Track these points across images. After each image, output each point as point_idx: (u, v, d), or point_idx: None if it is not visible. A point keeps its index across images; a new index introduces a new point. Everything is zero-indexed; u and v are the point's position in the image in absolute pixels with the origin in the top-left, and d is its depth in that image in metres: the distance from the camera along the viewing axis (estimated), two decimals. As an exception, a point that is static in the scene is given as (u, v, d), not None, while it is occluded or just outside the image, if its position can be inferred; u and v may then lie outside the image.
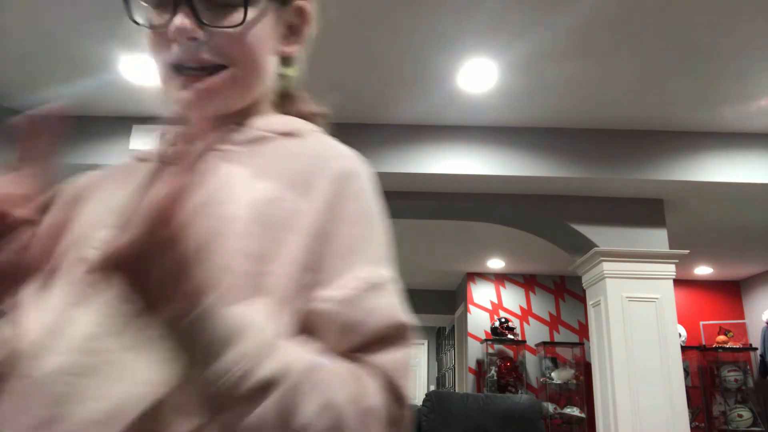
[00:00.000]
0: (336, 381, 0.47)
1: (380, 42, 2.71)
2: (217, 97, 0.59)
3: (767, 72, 2.83)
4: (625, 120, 3.39)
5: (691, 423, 3.40)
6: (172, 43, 0.56)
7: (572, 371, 6.04)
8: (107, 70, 2.97)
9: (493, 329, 6.31)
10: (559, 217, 3.67)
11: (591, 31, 2.59)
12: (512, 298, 6.62)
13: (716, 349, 5.99)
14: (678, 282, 3.62)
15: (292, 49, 0.66)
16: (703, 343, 6.25)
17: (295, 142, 0.62)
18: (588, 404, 5.88)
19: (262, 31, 0.60)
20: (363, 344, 0.51)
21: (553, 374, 6.05)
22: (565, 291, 6.64)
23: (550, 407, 5.90)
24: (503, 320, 6.33)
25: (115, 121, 3.49)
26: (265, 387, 0.44)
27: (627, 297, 3.49)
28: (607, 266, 3.55)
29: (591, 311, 3.80)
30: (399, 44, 2.72)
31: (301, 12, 0.67)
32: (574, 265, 3.95)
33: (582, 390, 6.01)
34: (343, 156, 0.60)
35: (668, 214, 3.71)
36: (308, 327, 0.52)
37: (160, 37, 0.57)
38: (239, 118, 0.63)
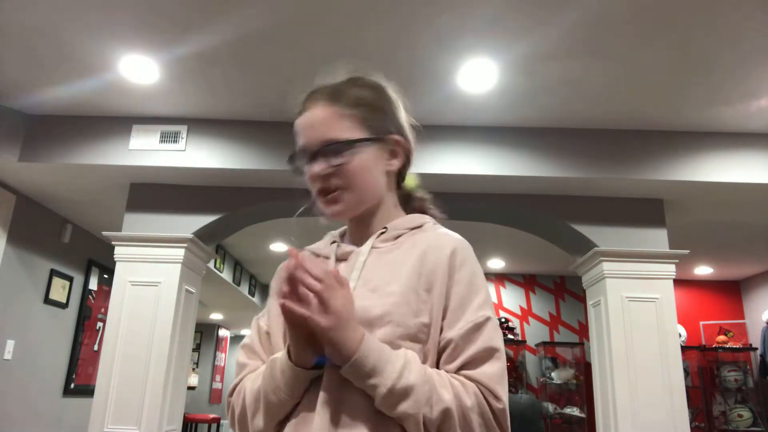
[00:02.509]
0: (444, 386, 0.79)
1: (380, 42, 2.71)
2: (341, 206, 0.93)
3: (767, 72, 2.83)
4: (625, 120, 3.39)
5: (691, 423, 3.40)
6: (315, 180, 0.93)
7: (572, 371, 6.04)
8: (107, 70, 2.98)
9: (493, 329, 6.30)
10: (559, 217, 3.67)
11: (591, 31, 2.59)
12: (512, 298, 6.62)
13: (716, 349, 5.99)
14: (678, 282, 3.62)
15: (393, 165, 0.96)
16: (703, 343, 6.25)
17: (421, 234, 0.94)
18: (588, 404, 5.89)
19: (363, 163, 0.91)
20: (466, 364, 0.82)
21: (553, 374, 6.05)
22: (565, 291, 6.64)
23: (550, 407, 5.90)
24: (503, 320, 6.33)
25: (115, 121, 3.49)
26: (408, 389, 0.76)
27: (627, 297, 3.49)
28: (607, 266, 3.55)
29: (591, 311, 3.80)
30: (399, 44, 2.72)
31: (396, 143, 0.96)
32: (574, 265, 3.95)
33: (582, 390, 6.01)
34: (451, 240, 0.91)
35: (668, 214, 3.71)
36: (439, 355, 0.85)
37: (309, 176, 0.93)
38: (371, 218, 0.97)
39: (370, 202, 0.95)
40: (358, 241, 0.97)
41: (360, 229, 0.98)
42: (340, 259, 0.96)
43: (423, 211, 1.02)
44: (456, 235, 0.94)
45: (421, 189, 1.05)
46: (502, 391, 0.80)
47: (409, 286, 0.85)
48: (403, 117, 0.99)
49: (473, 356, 0.81)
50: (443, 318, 0.85)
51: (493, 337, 0.83)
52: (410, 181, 1.04)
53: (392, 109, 0.97)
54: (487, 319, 0.84)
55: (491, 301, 0.89)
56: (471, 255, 0.91)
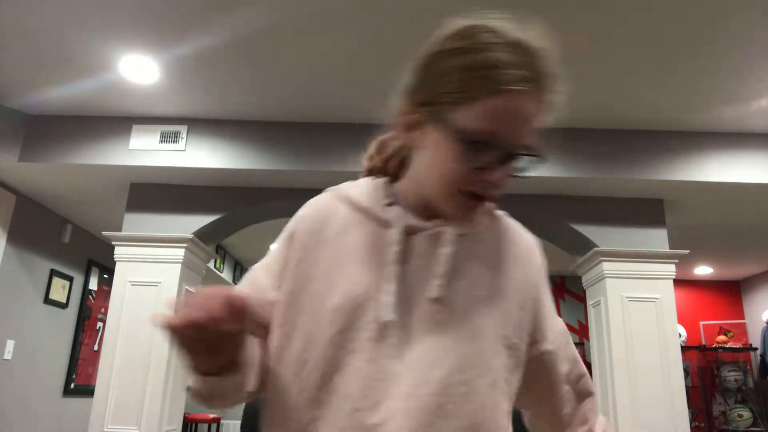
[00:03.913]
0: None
1: (380, 42, 2.70)
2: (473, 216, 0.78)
3: (767, 72, 2.83)
4: (625, 120, 3.39)
5: (691, 423, 3.40)
6: (485, 180, 0.70)
7: (572, 371, 6.03)
8: (107, 70, 2.97)
9: (493, 329, 6.31)
10: (559, 217, 3.67)
11: (591, 31, 2.59)
12: (512, 298, 6.62)
13: (716, 349, 5.99)
14: (678, 282, 3.62)
15: None
16: (703, 343, 6.24)
17: (494, 221, 0.87)
18: (588, 404, 5.88)
19: None
20: (582, 373, 0.88)
21: (553, 374, 6.05)
22: (565, 291, 6.64)
23: (550, 407, 5.90)
24: (503, 320, 6.32)
25: (115, 121, 3.49)
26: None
27: (627, 297, 3.49)
28: (607, 266, 3.55)
29: (591, 311, 3.79)
30: (399, 44, 2.72)
31: None
32: (574, 265, 3.95)
33: (582, 390, 6.01)
34: (535, 245, 0.87)
35: (668, 214, 3.71)
36: (539, 368, 0.81)
37: (477, 173, 0.70)
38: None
39: None
40: (421, 212, 0.77)
41: (422, 193, 0.77)
42: (409, 233, 0.75)
43: None
44: (530, 234, 0.89)
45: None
46: None
47: (515, 305, 0.77)
48: None
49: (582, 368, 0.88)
50: (531, 329, 0.80)
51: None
52: None
53: None
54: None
55: None
56: None
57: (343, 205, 0.80)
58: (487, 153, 0.68)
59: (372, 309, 0.71)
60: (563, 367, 0.84)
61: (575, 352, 0.89)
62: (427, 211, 0.76)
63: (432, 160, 0.73)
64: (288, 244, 0.80)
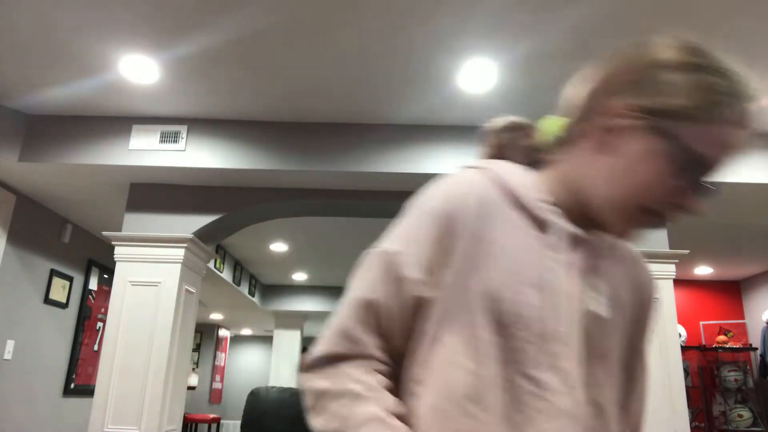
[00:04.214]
0: None
1: (380, 42, 2.71)
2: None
3: (767, 72, 2.83)
4: (625, 120, 3.38)
5: (691, 423, 3.40)
6: (677, 201, 0.67)
7: (572, 371, 6.03)
8: (107, 70, 2.98)
9: (493, 329, 6.30)
10: (559, 217, 3.66)
11: (591, 31, 2.59)
12: (512, 298, 6.61)
13: (716, 349, 5.99)
14: (678, 282, 3.62)
15: None
16: (703, 343, 6.24)
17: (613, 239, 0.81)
18: (588, 404, 5.88)
19: None
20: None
21: (553, 374, 6.04)
22: (565, 291, 6.64)
23: (550, 407, 5.89)
24: (503, 320, 6.32)
25: (115, 121, 3.49)
26: None
27: (627, 297, 3.49)
28: (607, 266, 3.54)
29: (591, 311, 3.79)
30: (399, 44, 2.72)
31: None
32: (574, 265, 3.94)
33: (582, 390, 6.01)
34: (649, 271, 0.82)
35: (668, 214, 3.71)
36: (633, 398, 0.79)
37: (675, 192, 0.67)
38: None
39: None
40: (571, 214, 0.73)
41: (577, 196, 0.73)
42: (573, 242, 0.72)
43: None
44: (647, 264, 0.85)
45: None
46: None
47: (632, 328, 0.78)
48: None
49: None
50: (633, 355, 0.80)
51: None
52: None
53: None
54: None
55: None
56: None
57: (497, 191, 0.73)
58: (696, 175, 0.67)
59: (535, 318, 0.67)
60: (633, 406, 0.80)
61: (646, 395, 0.83)
62: (577, 215, 0.73)
63: (627, 169, 0.68)
64: (445, 228, 0.71)
